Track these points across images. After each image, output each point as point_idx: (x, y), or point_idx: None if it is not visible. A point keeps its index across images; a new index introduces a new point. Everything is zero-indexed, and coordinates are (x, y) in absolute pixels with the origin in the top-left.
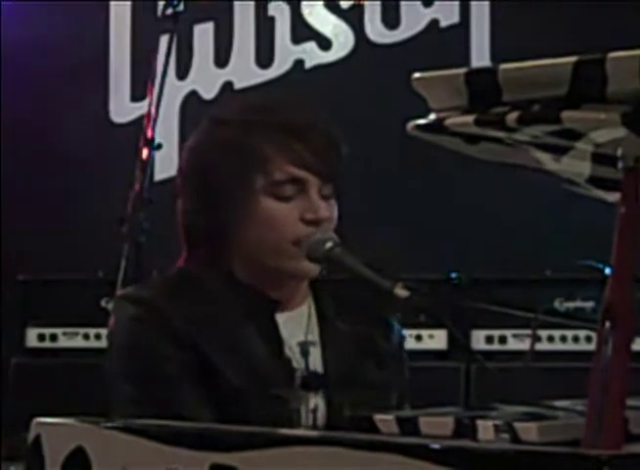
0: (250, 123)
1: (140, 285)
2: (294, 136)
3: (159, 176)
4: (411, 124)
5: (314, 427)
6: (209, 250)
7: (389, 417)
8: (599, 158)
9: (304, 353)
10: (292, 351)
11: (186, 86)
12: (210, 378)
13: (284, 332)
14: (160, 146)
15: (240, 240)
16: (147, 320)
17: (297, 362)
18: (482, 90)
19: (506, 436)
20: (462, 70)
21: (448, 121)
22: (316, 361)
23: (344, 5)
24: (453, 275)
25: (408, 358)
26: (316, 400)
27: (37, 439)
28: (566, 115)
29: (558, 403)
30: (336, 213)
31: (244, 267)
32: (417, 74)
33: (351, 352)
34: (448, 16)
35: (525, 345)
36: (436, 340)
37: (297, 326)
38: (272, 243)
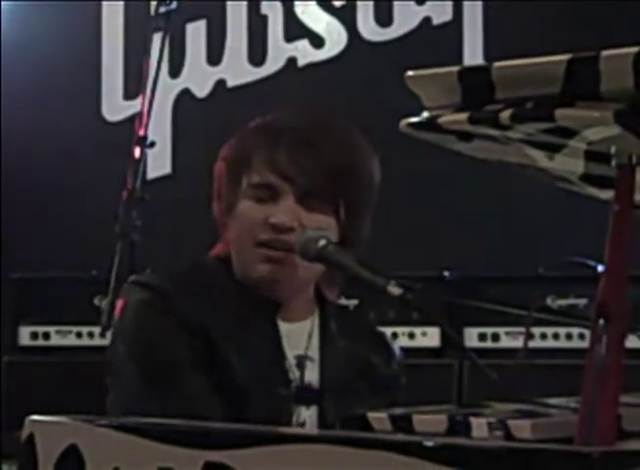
0: (254, 132)
1: (152, 272)
2: (277, 142)
3: (151, 175)
4: (404, 122)
5: None
6: (222, 249)
7: (383, 415)
8: (592, 155)
9: (300, 367)
10: (289, 362)
11: (179, 84)
12: (217, 367)
13: (284, 343)
14: (152, 144)
15: (230, 241)
16: (157, 304)
17: (294, 374)
18: (476, 88)
19: (499, 433)
20: (455, 68)
21: (442, 119)
22: (312, 377)
23: (337, 3)
24: (446, 273)
25: (405, 386)
26: (305, 415)
27: (30, 437)
28: (559, 112)
29: (551, 401)
30: (321, 227)
31: (236, 267)
32: (410, 72)
33: (349, 371)
34: (441, 13)
35: (517, 342)
36: (429, 337)
37: (297, 339)
38: (240, 242)
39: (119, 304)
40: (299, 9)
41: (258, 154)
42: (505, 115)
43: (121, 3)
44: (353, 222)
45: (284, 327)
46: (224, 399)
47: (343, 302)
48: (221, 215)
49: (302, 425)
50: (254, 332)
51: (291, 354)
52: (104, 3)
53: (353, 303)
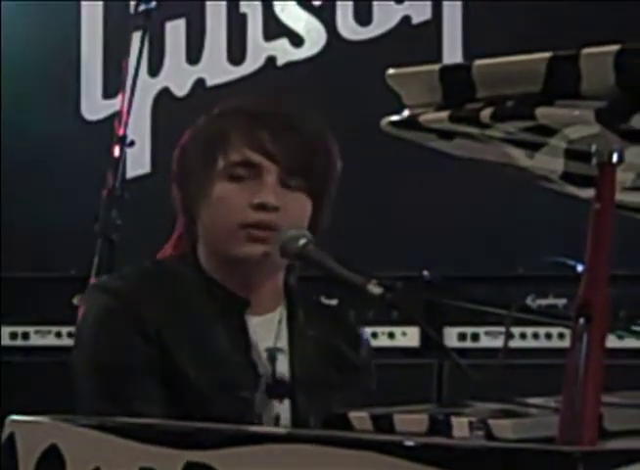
0: (224, 113)
1: (115, 275)
2: (258, 122)
3: (131, 174)
4: (385, 121)
5: None
6: (186, 241)
7: (364, 414)
8: (573, 154)
9: (272, 359)
10: (259, 356)
11: (158, 83)
12: (173, 376)
13: (253, 336)
14: (132, 143)
15: (201, 225)
16: (115, 311)
17: (264, 368)
18: (457, 86)
19: (480, 433)
20: (436, 67)
21: (422, 118)
22: (283, 368)
23: (316, 2)
24: (425, 273)
25: (375, 371)
26: (279, 409)
27: (11, 437)
28: (540, 111)
29: (532, 400)
30: (302, 207)
31: (206, 257)
32: (391, 71)
33: (318, 360)
34: (420, 12)
35: (497, 342)
36: (409, 337)
37: (266, 332)
38: (221, 225)
39: (81, 307)
40: (279, 8)
41: (238, 132)
42: (486, 113)
43: (101, 2)
44: (322, 208)
45: (253, 321)
46: (184, 406)
47: (324, 301)
48: (188, 206)
49: (277, 419)
50: (220, 331)
51: (262, 348)
52: (83, 2)
53: (333, 302)
